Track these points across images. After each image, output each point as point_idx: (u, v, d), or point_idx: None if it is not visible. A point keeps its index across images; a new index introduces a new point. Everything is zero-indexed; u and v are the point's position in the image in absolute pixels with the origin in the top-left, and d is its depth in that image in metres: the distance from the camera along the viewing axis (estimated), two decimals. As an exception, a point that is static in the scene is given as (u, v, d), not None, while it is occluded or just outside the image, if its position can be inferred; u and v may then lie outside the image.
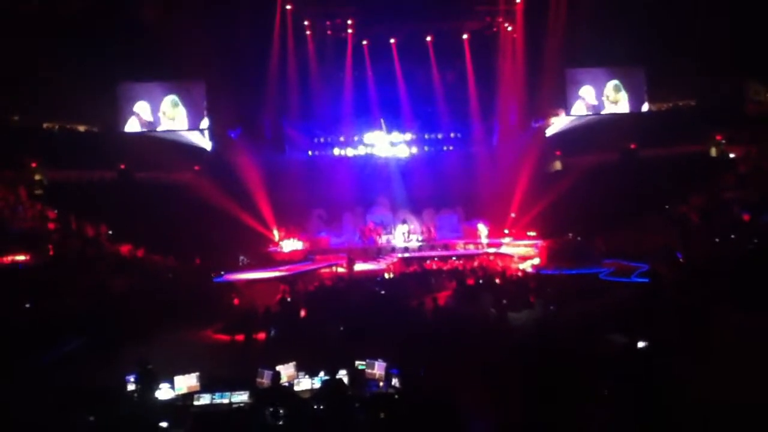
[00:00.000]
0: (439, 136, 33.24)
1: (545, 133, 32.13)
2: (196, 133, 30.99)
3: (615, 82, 31.71)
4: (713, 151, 29.26)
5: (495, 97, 32.44)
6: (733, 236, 20.94)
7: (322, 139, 32.85)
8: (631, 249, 21.98)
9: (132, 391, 9.46)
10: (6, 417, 7.58)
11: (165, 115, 30.60)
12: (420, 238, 27.97)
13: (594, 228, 24.30)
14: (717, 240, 21.03)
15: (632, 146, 30.17)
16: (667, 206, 25.49)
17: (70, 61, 24.44)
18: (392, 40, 31.81)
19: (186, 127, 30.84)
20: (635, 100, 31.74)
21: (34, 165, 26.52)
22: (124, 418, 8.17)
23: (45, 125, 28.94)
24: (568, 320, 14.30)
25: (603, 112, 31.82)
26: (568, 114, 32.01)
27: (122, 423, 7.97)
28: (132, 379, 9.53)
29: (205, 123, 30.92)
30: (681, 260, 19.95)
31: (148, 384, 9.46)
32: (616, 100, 31.71)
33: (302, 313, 16.10)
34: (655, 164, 27.95)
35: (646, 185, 26.46)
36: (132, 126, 30.35)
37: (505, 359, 10.96)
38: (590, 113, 31.84)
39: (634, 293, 16.80)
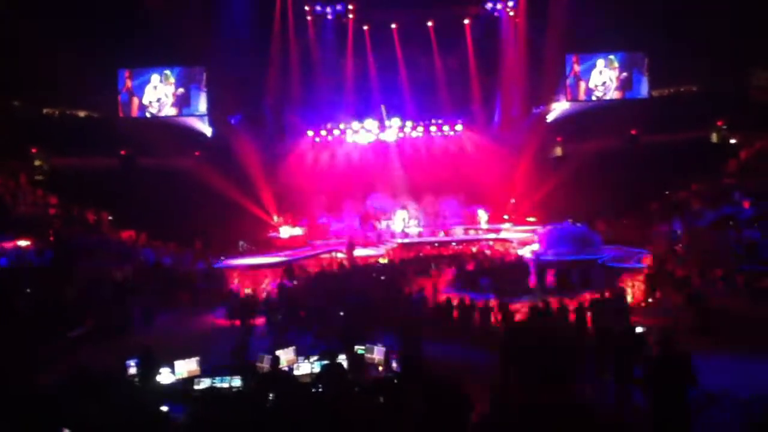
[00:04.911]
0: (440, 121, 33.05)
1: (546, 119, 32.02)
2: (197, 118, 30.93)
3: (615, 64, 31.54)
4: (714, 137, 29.18)
5: (496, 82, 32.28)
6: (731, 222, 21.01)
7: (325, 125, 32.63)
8: (632, 234, 22.02)
9: (133, 376, 9.54)
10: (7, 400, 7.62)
11: (154, 95, 30.59)
12: (419, 224, 27.97)
13: (594, 214, 24.32)
14: (717, 226, 21.12)
15: (633, 132, 30.09)
16: (667, 192, 25.52)
17: (70, 47, 24.35)
18: (393, 26, 31.63)
19: (186, 112, 30.79)
20: (637, 86, 31.60)
21: (34, 151, 26.57)
22: (125, 402, 8.22)
23: (45, 111, 28.91)
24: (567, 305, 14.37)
25: (605, 97, 31.71)
26: (569, 100, 31.90)
27: (123, 407, 8.02)
28: (133, 364, 9.61)
29: (204, 108, 30.86)
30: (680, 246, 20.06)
31: (149, 368, 9.53)
32: (615, 83, 31.54)
33: (302, 298, 16.16)
34: (656, 150, 27.86)
35: (647, 171, 26.41)
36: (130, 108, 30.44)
37: (507, 342, 11.04)
38: (591, 98, 31.74)
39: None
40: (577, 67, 31.83)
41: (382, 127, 32.04)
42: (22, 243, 19.07)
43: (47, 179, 25.66)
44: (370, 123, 32.21)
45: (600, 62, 31.72)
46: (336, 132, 32.09)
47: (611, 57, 31.67)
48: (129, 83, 30.36)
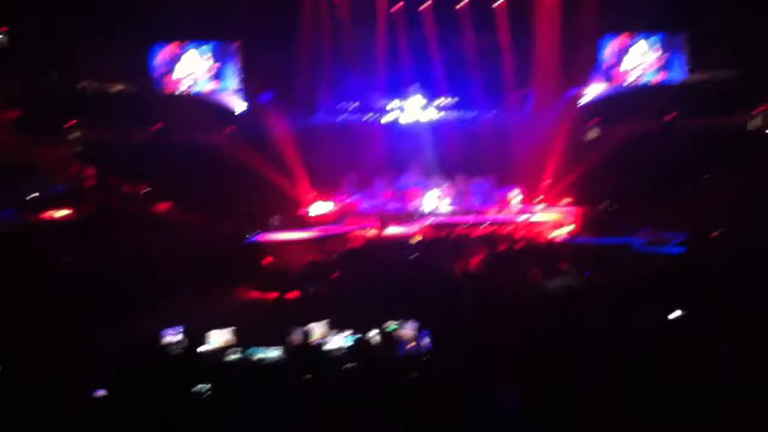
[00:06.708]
0: (473, 102, 32.75)
1: (580, 102, 31.56)
2: (230, 94, 31.09)
3: (655, 46, 30.93)
4: (756, 123, 28.46)
5: (530, 63, 31.80)
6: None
7: (355, 104, 32.60)
8: (669, 219, 21.69)
9: (173, 345, 9.69)
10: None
11: (189, 70, 30.74)
12: (451, 204, 27.86)
13: (630, 197, 24.03)
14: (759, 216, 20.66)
15: (671, 116, 29.51)
16: (705, 177, 25.08)
17: (105, 21, 24.56)
18: (426, 4, 31.34)
19: (220, 87, 30.98)
20: (675, 69, 30.96)
21: (71, 123, 26.94)
22: (166, 371, 8.41)
23: (81, 85, 29.23)
24: (600, 289, 14.25)
25: (641, 80, 31.16)
26: (604, 82, 31.39)
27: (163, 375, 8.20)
28: (173, 333, 9.76)
29: (237, 84, 30.99)
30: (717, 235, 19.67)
31: (192, 338, 9.70)
32: (652, 66, 30.96)
33: (334, 273, 16.28)
34: (694, 135, 27.35)
35: (685, 156, 25.93)
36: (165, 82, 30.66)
37: (535, 327, 11.01)
38: (627, 81, 31.22)
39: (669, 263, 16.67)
40: (612, 49, 31.28)
41: (414, 107, 31.90)
42: (61, 214, 19.48)
43: (84, 152, 26.02)
44: (403, 102, 32.12)
45: (637, 44, 31.11)
46: (368, 110, 32.04)
47: (649, 39, 31.05)
48: (164, 57, 30.56)
